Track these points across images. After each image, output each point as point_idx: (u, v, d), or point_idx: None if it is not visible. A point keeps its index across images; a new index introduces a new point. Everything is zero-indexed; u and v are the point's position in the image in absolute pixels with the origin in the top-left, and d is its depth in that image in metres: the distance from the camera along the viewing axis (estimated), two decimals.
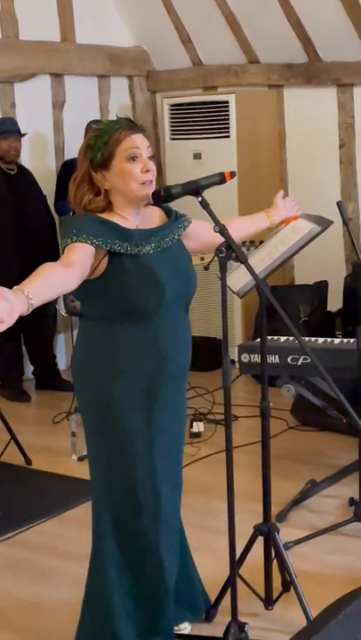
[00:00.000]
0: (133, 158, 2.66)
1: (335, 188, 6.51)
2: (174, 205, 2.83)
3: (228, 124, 6.44)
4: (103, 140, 2.66)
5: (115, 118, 2.76)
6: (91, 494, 2.89)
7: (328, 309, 6.34)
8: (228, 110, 6.42)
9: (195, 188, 2.66)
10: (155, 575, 2.85)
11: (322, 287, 6.35)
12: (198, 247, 2.93)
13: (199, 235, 2.89)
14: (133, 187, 2.66)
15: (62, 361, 6.61)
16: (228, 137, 6.44)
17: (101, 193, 2.70)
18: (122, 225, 2.68)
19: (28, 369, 6.36)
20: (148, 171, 2.67)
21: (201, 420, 5.25)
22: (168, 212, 2.86)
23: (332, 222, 3.11)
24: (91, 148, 2.68)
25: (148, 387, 2.73)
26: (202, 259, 3.89)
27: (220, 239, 2.66)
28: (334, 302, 6.29)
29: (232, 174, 2.70)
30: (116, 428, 2.72)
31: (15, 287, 2.26)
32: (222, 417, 5.22)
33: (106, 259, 2.62)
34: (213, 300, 6.25)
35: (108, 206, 2.71)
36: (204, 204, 2.66)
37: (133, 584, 2.85)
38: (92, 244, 2.57)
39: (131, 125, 2.71)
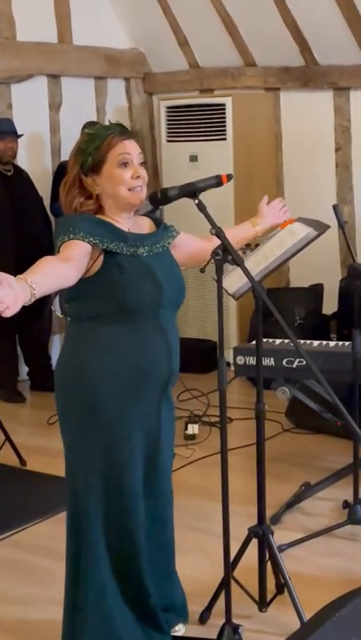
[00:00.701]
0: (124, 164, 2.67)
1: (331, 191, 6.52)
2: (170, 207, 2.84)
3: (224, 126, 6.45)
4: (95, 144, 2.67)
5: (109, 122, 2.78)
6: (69, 504, 2.86)
7: (323, 312, 6.35)
8: (224, 113, 6.44)
9: (192, 191, 2.67)
10: (138, 578, 2.85)
11: (317, 290, 6.36)
12: (184, 259, 2.92)
13: (187, 247, 2.91)
14: (123, 192, 2.67)
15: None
16: (224, 139, 6.45)
17: (92, 197, 2.70)
18: (117, 226, 2.69)
19: (23, 370, 6.36)
20: (138, 177, 2.68)
21: (196, 423, 5.25)
22: (157, 222, 2.88)
23: (328, 227, 3.12)
24: (82, 152, 2.69)
25: (136, 390, 2.71)
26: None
27: (205, 252, 2.69)
28: (329, 305, 6.30)
29: (229, 177, 2.71)
30: (103, 432, 2.70)
31: (18, 276, 2.25)
32: (217, 419, 5.25)
33: (101, 257, 2.62)
34: (208, 303, 6.26)
35: (100, 210, 2.72)
36: (201, 207, 2.67)
37: (125, 590, 2.85)
38: (88, 242, 2.58)
39: (123, 131, 2.72)
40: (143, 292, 2.64)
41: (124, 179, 2.66)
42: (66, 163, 2.85)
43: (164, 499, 2.90)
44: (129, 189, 2.67)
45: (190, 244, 2.92)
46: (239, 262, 2.62)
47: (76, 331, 2.77)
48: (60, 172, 6.12)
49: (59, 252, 2.58)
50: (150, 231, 2.81)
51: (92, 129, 2.73)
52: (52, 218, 6.33)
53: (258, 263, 2.98)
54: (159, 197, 2.68)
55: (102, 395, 2.68)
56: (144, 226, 2.82)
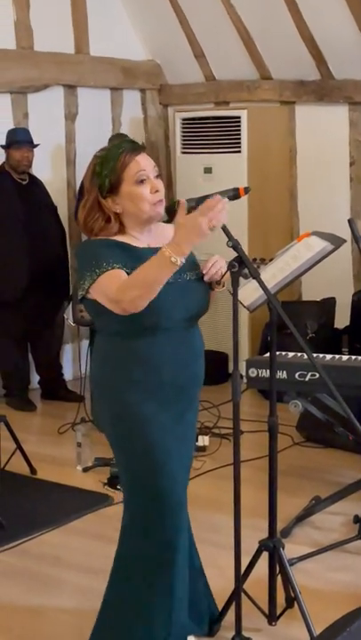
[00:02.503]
0: (142, 181, 2.69)
1: (345, 205, 6.52)
2: None
3: (239, 139, 6.46)
4: (109, 166, 2.69)
5: (121, 134, 2.79)
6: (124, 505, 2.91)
7: (335, 326, 6.34)
8: (239, 125, 6.45)
9: None
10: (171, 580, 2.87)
11: (329, 304, 6.36)
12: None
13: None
14: (145, 208, 2.70)
15: (69, 371, 6.62)
16: (239, 152, 6.46)
17: (112, 219, 2.73)
18: (133, 245, 2.72)
19: (34, 378, 6.37)
20: (157, 191, 2.70)
21: (206, 434, 5.25)
22: None
23: (344, 241, 3.12)
24: (98, 176, 2.71)
25: (162, 399, 2.75)
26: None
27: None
28: (341, 319, 6.29)
29: (246, 190, 2.72)
30: (137, 439, 2.75)
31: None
32: (228, 431, 5.26)
33: (124, 275, 2.65)
34: (220, 314, 6.26)
35: (120, 229, 2.75)
36: None
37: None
38: (112, 269, 2.62)
39: (133, 147, 2.74)
40: (166, 306, 2.66)
41: (144, 195, 2.69)
42: None
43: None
44: (152, 204, 2.69)
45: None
46: (256, 275, 2.63)
47: (103, 343, 2.82)
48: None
49: (91, 285, 2.63)
50: None
51: (103, 151, 2.75)
52: (66, 227, 6.37)
53: (274, 276, 2.98)
54: (177, 209, 2.68)
55: (127, 404, 2.73)
56: (166, 235, 2.80)
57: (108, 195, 2.71)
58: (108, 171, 2.69)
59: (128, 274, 2.63)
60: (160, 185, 2.73)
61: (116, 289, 2.58)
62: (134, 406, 2.73)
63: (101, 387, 2.83)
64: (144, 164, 2.71)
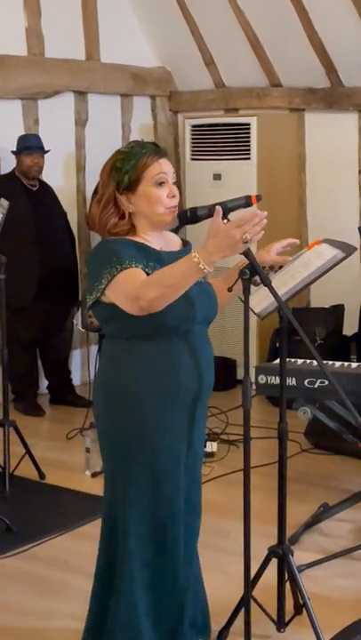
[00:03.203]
0: (161, 183, 2.70)
1: (354, 212, 6.53)
2: (191, 226, 2.83)
3: (248, 146, 6.47)
4: (131, 163, 2.69)
5: (141, 140, 2.80)
6: (106, 517, 2.88)
7: (344, 333, 6.34)
8: (249, 132, 6.46)
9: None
10: (178, 592, 2.86)
11: (338, 311, 6.36)
12: None
13: None
14: (160, 211, 2.70)
15: (77, 376, 6.64)
16: (248, 159, 6.47)
17: (125, 216, 2.72)
18: (151, 246, 2.72)
19: (43, 383, 6.38)
20: (173, 196, 2.71)
21: (214, 440, 5.26)
22: (183, 240, 2.91)
23: (355, 249, 3.12)
24: (118, 171, 2.70)
25: (176, 404, 2.74)
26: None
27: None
28: (350, 326, 6.29)
29: (258, 198, 2.72)
30: (145, 446, 2.73)
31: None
32: (236, 437, 5.27)
33: (144, 275, 2.64)
34: (228, 321, 6.27)
35: (131, 229, 2.74)
36: None
37: (157, 603, 2.85)
38: (136, 267, 2.61)
39: (157, 150, 2.75)
40: (178, 311, 2.64)
41: (161, 198, 2.69)
42: None
43: (194, 512, 2.92)
44: (166, 208, 2.70)
45: None
46: (267, 282, 2.64)
47: (113, 348, 2.79)
48: None
49: (109, 282, 2.59)
50: (180, 248, 2.83)
51: (127, 147, 2.76)
52: (75, 232, 6.38)
53: (285, 283, 2.99)
54: (188, 216, 2.69)
55: (141, 409, 2.71)
56: (173, 243, 2.84)
57: (124, 191, 2.70)
58: (128, 167, 2.69)
59: (148, 274, 2.61)
60: (176, 191, 2.73)
61: (136, 286, 2.54)
62: (148, 412, 2.71)
63: (111, 392, 2.77)
64: (165, 167, 2.72)
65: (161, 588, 2.84)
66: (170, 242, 2.83)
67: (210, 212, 2.64)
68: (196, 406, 2.80)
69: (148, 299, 2.51)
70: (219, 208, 2.49)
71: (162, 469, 2.75)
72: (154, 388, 2.70)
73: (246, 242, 2.42)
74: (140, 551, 2.79)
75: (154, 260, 2.67)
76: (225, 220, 2.65)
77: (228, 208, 2.67)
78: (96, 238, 6.59)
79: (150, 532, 2.80)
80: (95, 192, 2.92)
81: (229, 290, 2.80)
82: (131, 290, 2.55)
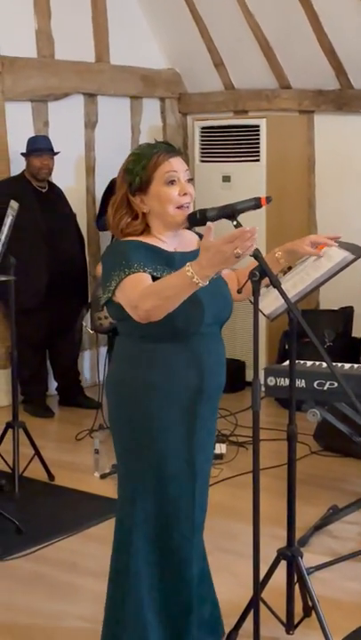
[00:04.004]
0: (171, 182, 2.69)
1: None
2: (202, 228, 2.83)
3: (258, 148, 6.47)
4: (141, 164, 2.70)
5: (155, 141, 2.80)
6: (117, 514, 2.89)
7: (353, 335, 6.34)
8: (258, 134, 6.46)
9: (231, 212, 2.67)
10: (184, 593, 2.86)
11: (347, 313, 6.36)
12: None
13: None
14: (171, 210, 2.69)
15: (87, 378, 6.64)
16: (257, 161, 6.47)
17: (139, 217, 2.73)
18: (163, 248, 2.71)
19: (52, 385, 6.39)
20: (185, 194, 2.70)
21: (223, 442, 5.26)
22: (200, 235, 2.89)
23: None
24: (129, 173, 2.71)
25: (186, 405, 2.74)
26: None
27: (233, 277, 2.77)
28: (359, 328, 6.29)
29: (268, 200, 2.72)
30: (154, 446, 2.74)
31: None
32: (245, 439, 5.27)
33: (150, 281, 2.64)
34: (237, 322, 6.27)
35: (146, 229, 2.74)
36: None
37: (163, 603, 2.86)
38: (143, 272, 2.61)
39: (168, 149, 2.75)
40: (191, 312, 2.65)
41: (172, 196, 2.68)
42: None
43: (200, 509, 2.91)
44: (177, 207, 2.69)
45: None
46: (277, 284, 2.64)
47: (125, 347, 2.80)
48: (111, 187, 6.18)
49: (117, 285, 2.60)
50: (197, 247, 2.80)
51: (138, 149, 2.76)
52: (85, 234, 6.39)
53: (294, 285, 2.99)
54: (198, 218, 2.69)
55: (152, 409, 2.72)
56: (191, 241, 2.82)
57: (137, 192, 2.71)
58: (139, 168, 2.69)
59: (157, 277, 2.62)
60: (190, 189, 2.72)
61: (136, 295, 2.56)
62: (156, 412, 2.72)
63: (121, 390, 2.78)
64: (176, 165, 2.71)
65: (167, 588, 2.85)
66: (185, 241, 2.82)
67: (220, 213, 2.65)
68: (206, 407, 2.80)
69: (145, 309, 2.53)
70: (211, 225, 2.48)
71: (170, 470, 2.76)
72: (160, 389, 2.71)
73: (238, 257, 2.40)
74: (146, 550, 2.80)
75: (164, 262, 2.67)
76: (234, 222, 2.66)
77: (237, 210, 2.67)
78: (105, 240, 6.60)
79: (156, 531, 2.80)
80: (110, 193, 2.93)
81: (239, 292, 2.79)
82: (132, 298, 2.57)
